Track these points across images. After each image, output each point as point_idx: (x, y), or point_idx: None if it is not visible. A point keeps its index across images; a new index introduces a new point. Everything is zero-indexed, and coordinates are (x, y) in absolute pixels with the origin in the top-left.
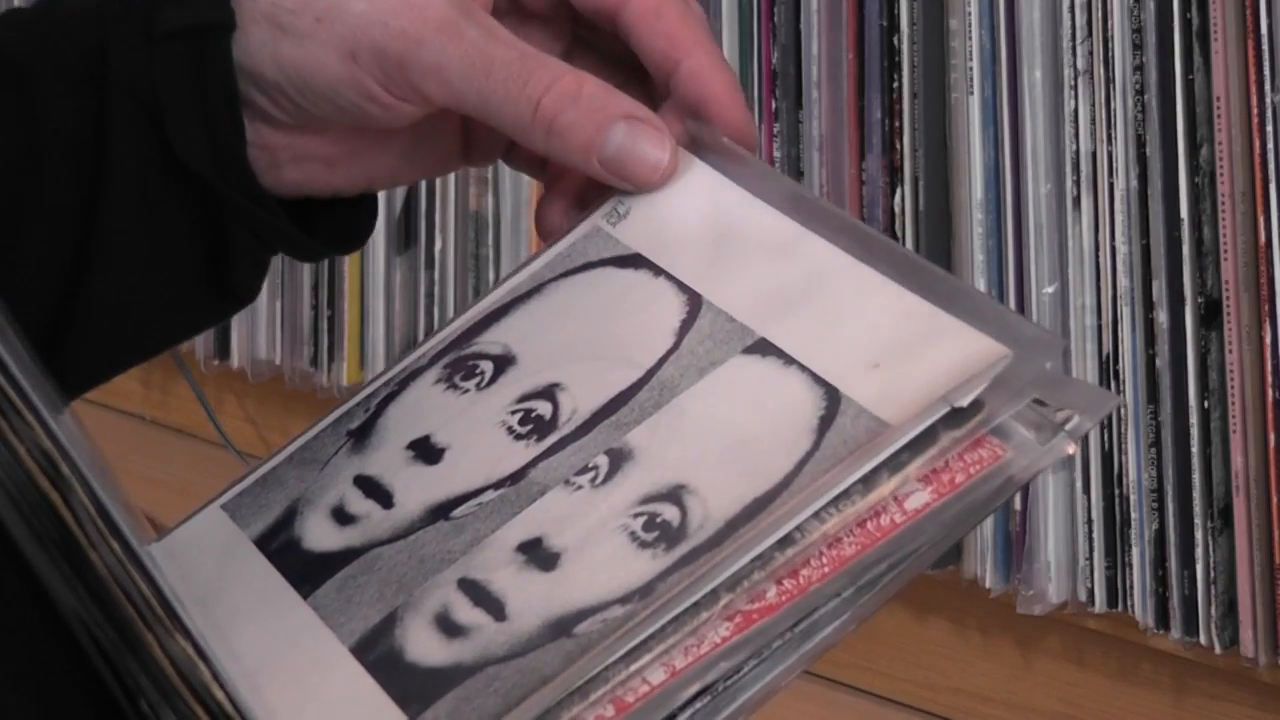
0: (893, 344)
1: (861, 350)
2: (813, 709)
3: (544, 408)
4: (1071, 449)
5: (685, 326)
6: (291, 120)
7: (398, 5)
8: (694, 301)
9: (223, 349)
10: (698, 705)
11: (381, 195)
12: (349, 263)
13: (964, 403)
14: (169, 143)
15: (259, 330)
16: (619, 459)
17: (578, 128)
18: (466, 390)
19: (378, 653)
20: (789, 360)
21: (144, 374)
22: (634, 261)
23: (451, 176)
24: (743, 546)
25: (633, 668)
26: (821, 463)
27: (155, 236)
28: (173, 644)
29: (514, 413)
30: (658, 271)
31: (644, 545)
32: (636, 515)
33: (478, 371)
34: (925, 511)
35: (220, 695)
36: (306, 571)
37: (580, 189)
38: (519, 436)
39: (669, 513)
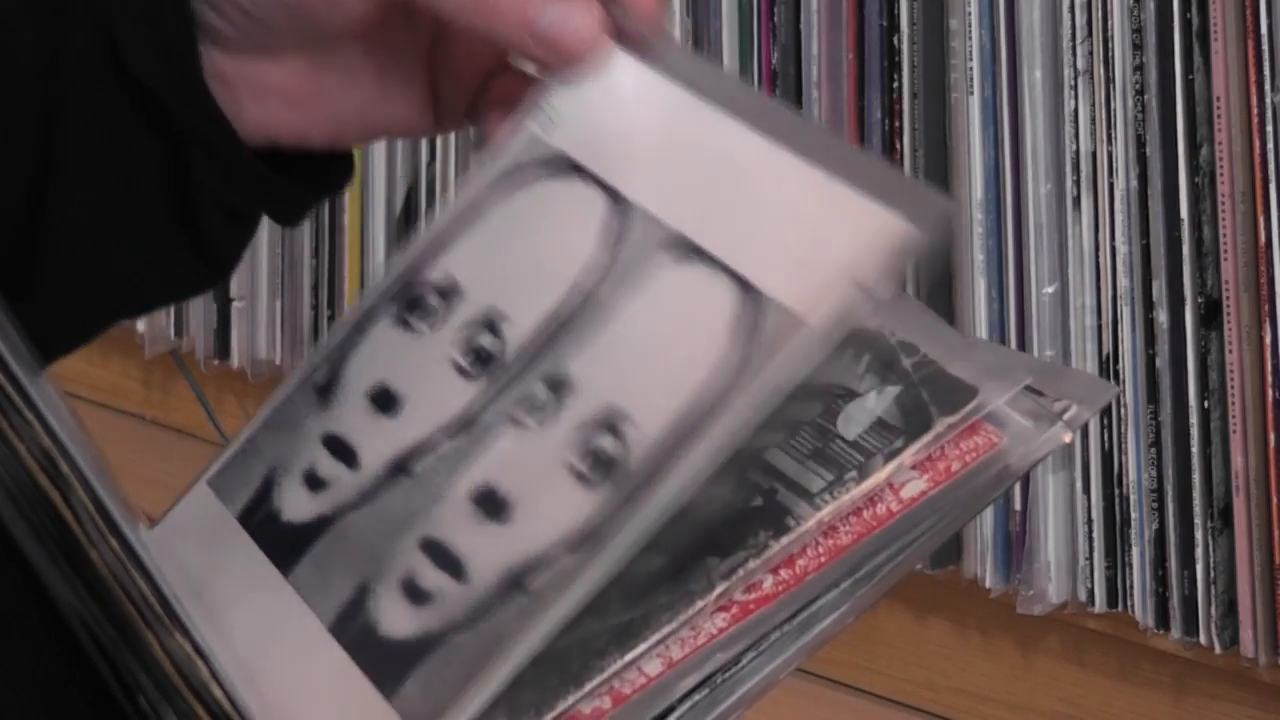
0: (809, 233)
1: (782, 245)
2: (813, 709)
3: (488, 340)
4: (1068, 437)
5: (618, 238)
6: (242, 36)
7: None
8: (624, 210)
9: (223, 349)
10: (695, 698)
11: (381, 194)
12: (349, 263)
13: (871, 283)
14: (125, 65)
15: (259, 330)
16: (559, 390)
17: (511, 3)
18: (420, 331)
19: (354, 631)
20: (715, 265)
21: (144, 374)
22: (566, 171)
23: (451, 175)
24: (682, 472)
25: (628, 658)
26: (749, 372)
27: (114, 166)
28: (172, 642)
29: (459, 347)
30: (590, 180)
31: (585, 481)
32: (574, 447)
33: (427, 306)
34: (922, 499)
35: (219, 693)
36: (286, 547)
37: (512, 99)
38: (466, 375)
39: (607, 443)
